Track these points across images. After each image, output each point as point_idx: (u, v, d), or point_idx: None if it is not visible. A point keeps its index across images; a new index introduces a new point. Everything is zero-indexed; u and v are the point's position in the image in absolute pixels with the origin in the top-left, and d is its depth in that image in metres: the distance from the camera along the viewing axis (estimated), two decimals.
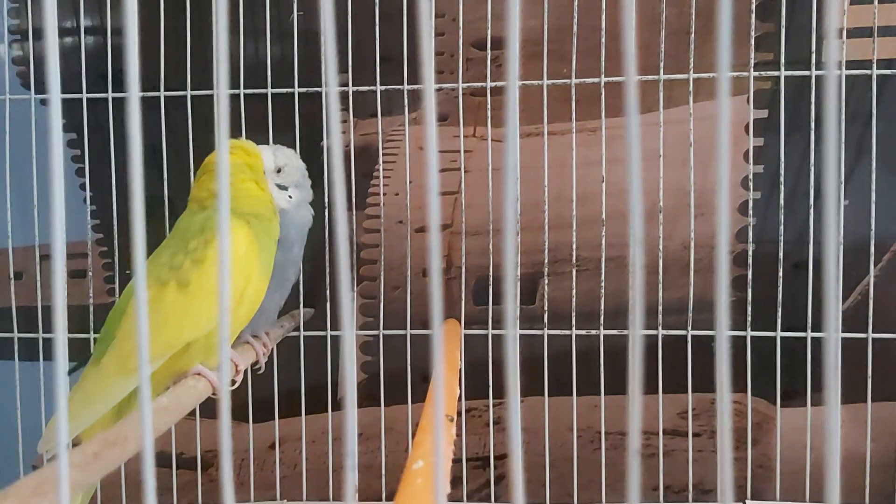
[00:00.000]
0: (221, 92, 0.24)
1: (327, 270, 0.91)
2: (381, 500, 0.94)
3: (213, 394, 0.60)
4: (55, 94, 0.26)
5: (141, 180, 0.25)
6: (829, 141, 0.21)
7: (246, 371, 0.80)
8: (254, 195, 0.65)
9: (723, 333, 0.22)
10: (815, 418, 0.90)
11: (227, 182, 0.26)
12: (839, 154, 0.86)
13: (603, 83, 0.88)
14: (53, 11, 0.27)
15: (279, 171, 0.74)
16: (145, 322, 0.25)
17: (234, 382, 0.68)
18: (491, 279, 0.92)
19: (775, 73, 0.87)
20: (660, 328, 0.89)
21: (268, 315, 0.75)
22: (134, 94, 0.25)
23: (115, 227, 0.94)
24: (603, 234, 0.90)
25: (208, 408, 0.93)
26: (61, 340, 0.26)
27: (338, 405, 0.96)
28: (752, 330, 0.89)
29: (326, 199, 0.90)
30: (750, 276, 0.88)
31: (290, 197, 0.74)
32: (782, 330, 0.88)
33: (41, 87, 0.95)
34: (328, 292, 0.92)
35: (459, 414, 0.94)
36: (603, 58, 0.87)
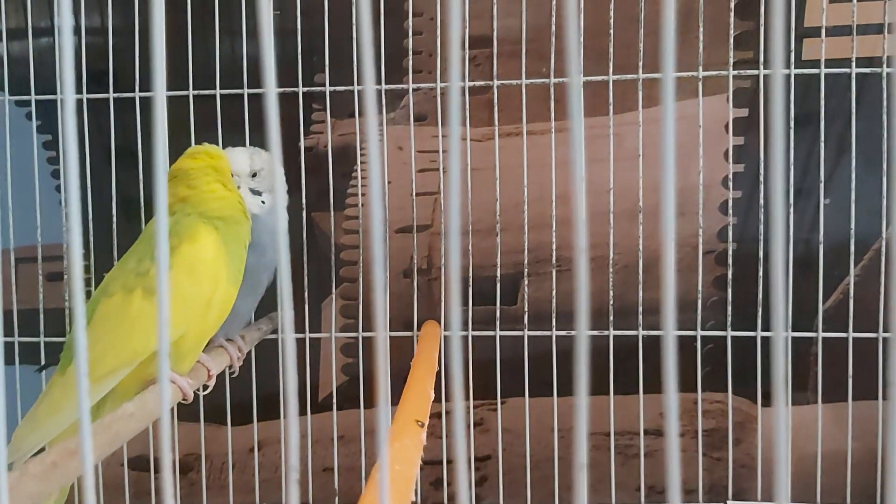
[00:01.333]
0: (158, 95, 0.23)
1: (305, 273, 0.91)
2: None
3: (183, 399, 0.59)
4: None
5: (77, 187, 0.24)
6: (775, 146, 0.20)
7: (224, 374, 0.79)
8: (221, 196, 0.64)
9: (670, 333, 0.21)
10: (797, 417, 0.90)
11: (165, 200, 0.25)
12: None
13: (583, 82, 0.87)
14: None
15: (254, 175, 0.73)
16: (83, 336, 0.24)
17: (206, 387, 0.67)
18: (472, 280, 0.91)
19: (755, 72, 0.86)
20: (640, 328, 0.89)
21: (241, 318, 0.74)
22: (70, 97, 0.24)
23: (91, 229, 0.93)
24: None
25: (188, 411, 0.92)
26: None
27: (317, 408, 0.95)
28: (732, 330, 0.88)
29: (304, 201, 0.89)
30: (730, 276, 0.88)
31: (263, 202, 0.73)
32: (763, 329, 0.88)
33: (15, 89, 0.93)
34: (306, 295, 0.91)
35: (440, 416, 0.93)
36: (582, 57, 0.87)
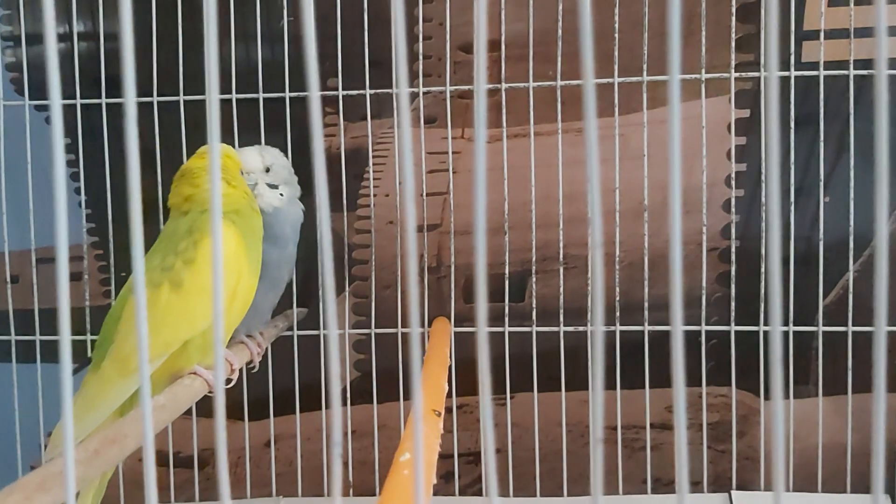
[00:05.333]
0: (212, 97, 0.26)
1: (320, 272, 0.93)
2: (374, 495, 0.96)
3: (210, 392, 0.61)
4: (56, 102, 0.28)
5: (138, 183, 0.27)
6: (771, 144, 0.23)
7: (241, 370, 0.82)
8: (224, 192, 0.66)
9: (677, 329, 0.23)
10: (799, 410, 0.92)
11: (219, 183, 0.28)
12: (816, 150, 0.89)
13: (594, 84, 0.90)
14: (52, 23, 0.28)
15: (268, 170, 0.76)
16: (145, 322, 0.27)
17: (229, 381, 0.70)
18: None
19: (755, 74, 0.89)
20: (646, 324, 0.91)
21: (262, 313, 0.76)
22: (131, 100, 0.27)
23: (111, 230, 0.95)
24: (589, 232, 0.92)
25: (205, 407, 0.94)
26: (65, 337, 0.28)
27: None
28: (735, 325, 0.91)
29: (318, 202, 0.92)
30: (733, 273, 0.90)
31: (282, 195, 0.76)
32: (765, 324, 0.90)
33: (35, 94, 0.96)
34: (321, 292, 0.94)
35: (450, 410, 0.95)
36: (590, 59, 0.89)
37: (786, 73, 0.88)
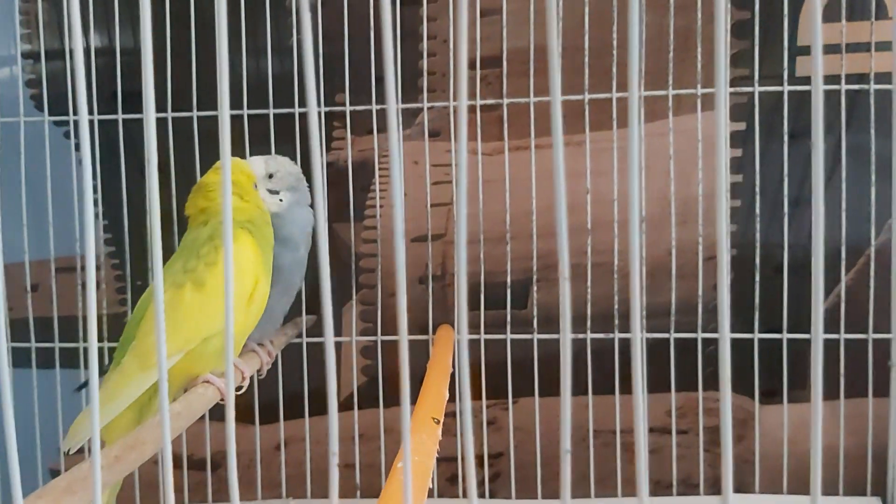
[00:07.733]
0: (223, 115, 0.29)
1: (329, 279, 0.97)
2: None
3: (221, 400, 0.65)
4: (83, 118, 0.31)
5: (157, 190, 0.30)
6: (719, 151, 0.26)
7: (251, 377, 0.85)
8: (237, 207, 0.70)
9: (637, 336, 0.26)
10: (795, 415, 0.95)
11: (230, 194, 0.31)
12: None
13: (587, 99, 0.93)
14: (79, 41, 0.31)
15: (270, 176, 0.79)
16: (163, 324, 0.30)
17: (239, 389, 0.73)
18: (483, 285, 0.96)
19: (750, 89, 0.91)
20: (643, 331, 0.94)
21: (275, 319, 0.80)
22: (150, 117, 0.30)
23: (127, 241, 0.99)
24: (589, 242, 0.94)
25: (218, 411, 0.97)
26: (94, 347, 0.31)
27: (339, 407, 1.01)
28: (732, 332, 0.93)
29: (326, 213, 0.95)
30: (730, 281, 0.93)
31: (281, 200, 0.79)
32: (763, 331, 0.93)
33: (54, 109, 1.00)
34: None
35: (454, 415, 0.98)
36: (587, 75, 0.92)
37: (779, 88, 0.91)
